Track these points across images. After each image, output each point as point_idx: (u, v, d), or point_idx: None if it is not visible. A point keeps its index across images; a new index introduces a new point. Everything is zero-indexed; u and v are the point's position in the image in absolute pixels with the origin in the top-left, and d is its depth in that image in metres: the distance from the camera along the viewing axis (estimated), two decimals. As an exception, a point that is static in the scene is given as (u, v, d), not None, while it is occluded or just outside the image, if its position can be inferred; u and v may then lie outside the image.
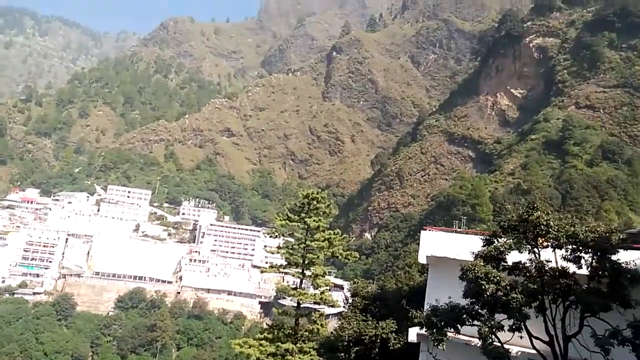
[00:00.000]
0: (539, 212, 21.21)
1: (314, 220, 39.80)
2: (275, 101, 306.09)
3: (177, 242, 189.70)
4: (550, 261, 21.56)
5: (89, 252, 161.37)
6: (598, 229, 20.29)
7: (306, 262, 40.46)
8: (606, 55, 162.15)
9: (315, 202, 40.39)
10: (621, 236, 21.02)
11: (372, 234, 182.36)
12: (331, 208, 42.98)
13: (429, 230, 38.42)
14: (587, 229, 20.40)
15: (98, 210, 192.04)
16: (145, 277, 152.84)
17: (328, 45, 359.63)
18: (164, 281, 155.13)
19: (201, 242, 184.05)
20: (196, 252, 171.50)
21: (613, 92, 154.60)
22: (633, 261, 20.52)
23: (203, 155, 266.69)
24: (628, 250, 22.17)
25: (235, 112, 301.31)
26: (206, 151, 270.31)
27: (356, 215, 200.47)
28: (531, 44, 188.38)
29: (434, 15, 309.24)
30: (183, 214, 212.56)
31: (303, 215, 40.49)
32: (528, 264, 21.74)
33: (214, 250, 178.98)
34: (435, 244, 33.29)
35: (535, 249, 22.05)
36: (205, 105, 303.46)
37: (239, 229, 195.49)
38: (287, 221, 41.14)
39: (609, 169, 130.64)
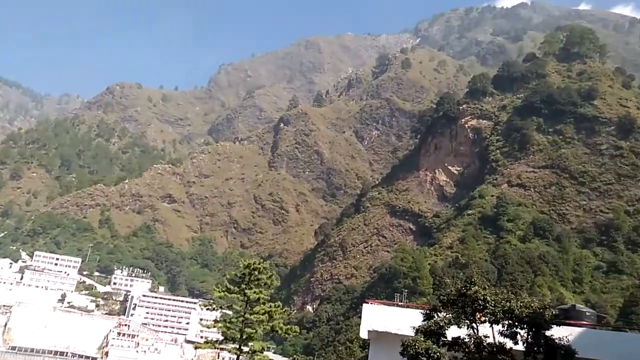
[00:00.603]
0: (477, 287, 21.57)
1: (254, 292, 38.49)
2: (220, 169, 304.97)
3: (106, 313, 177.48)
4: (488, 336, 21.68)
5: (6, 324, 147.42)
6: (532, 305, 20.80)
7: (244, 337, 38.58)
8: (535, 138, 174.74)
9: (256, 273, 39.24)
10: (554, 312, 21.60)
11: (314, 306, 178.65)
12: (273, 279, 41.93)
13: (371, 303, 38.04)
14: (522, 304, 20.86)
15: (21, 278, 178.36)
16: (67, 353, 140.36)
17: (276, 117, 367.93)
18: (87, 357, 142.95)
19: (132, 315, 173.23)
20: (125, 325, 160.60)
21: (542, 172, 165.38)
22: (566, 337, 21.00)
23: (141, 222, 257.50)
24: (561, 326, 22.75)
25: (178, 178, 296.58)
26: (144, 217, 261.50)
27: (298, 287, 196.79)
28: (466, 125, 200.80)
29: (377, 95, 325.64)
30: (114, 283, 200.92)
31: (243, 286, 39.10)
32: (467, 340, 21.73)
33: (145, 324, 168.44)
34: (377, 317, 32.86)
35: (474, 324, 22.18)
36: (147, 171, 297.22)
37: (173, 300, 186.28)
38: (226, 292, 39.53)
39: (540, 245, 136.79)
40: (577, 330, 25.82)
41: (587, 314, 31.88)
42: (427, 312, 23.65)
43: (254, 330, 37.52)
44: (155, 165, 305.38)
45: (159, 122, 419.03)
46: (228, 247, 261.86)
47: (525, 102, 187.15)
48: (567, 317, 29.03)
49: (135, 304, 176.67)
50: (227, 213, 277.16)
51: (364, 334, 33.26)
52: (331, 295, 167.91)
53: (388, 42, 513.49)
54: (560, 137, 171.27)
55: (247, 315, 38.13)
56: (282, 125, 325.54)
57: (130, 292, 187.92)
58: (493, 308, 21.01)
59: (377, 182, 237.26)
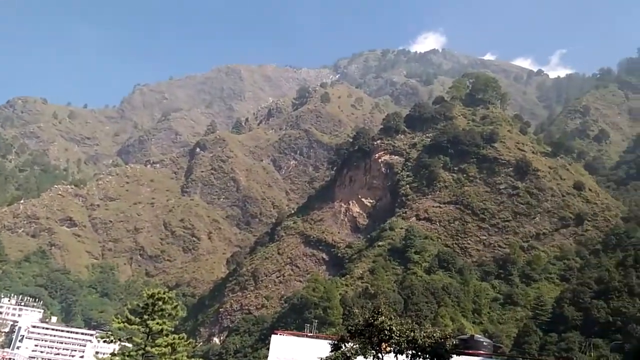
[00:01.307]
0: (384, 317, 21.99)
1: (157, 323, 36.40)
2: (128, 192, 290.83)
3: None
4: (392, 367, 22.05)
5: None
6: (435, 335, 21.52)
7: (143, 372, 36.10)
8: (441, 175, 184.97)
9: (160, 303, 37.23)
10: (454, 342, 22.50)
11: (222, 338, 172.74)
12: (178, 309, 39.97)
13: (280, 334, 37.54)
14: (425, 334, 21.51)
15: None
16: None
17: (192, 141, 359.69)
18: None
19: (18, 347, 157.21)
20: (10, 359, 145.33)
21: (447, 207, 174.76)
22: (464, 366, 21.90)
23: (35, 246, 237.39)
24: (460, 356, 23.71)
25: (80, 201, 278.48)
26: (40, 241, 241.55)
27: (206, 318, 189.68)
28: (380, 160, 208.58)
29: (296, 126, 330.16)
30: (0, 312, 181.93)
31: (146, 317, 36.85)
32: (372, 370, 21.95)
33: (34, 357, 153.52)
34: (285, 348, 32.37)
35: (379, 354, 22.51)
36: (46, 191, 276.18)
37: (67, 331, 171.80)
38: (126, 323, 37.02)
39: (444, 276, 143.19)
40: (476, 359, 27.01)
41: (484, 343, 33.57)
42: (335, 342, 23.69)
43: (155, 364, 35.40)
44: (56, 186, 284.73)
45: (63, 140, 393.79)
46: (132, 275, 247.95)
47: (433, 142, 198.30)
48: (466, 346, 30.33)
49: (23, 336, 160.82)
50: (132, 239, 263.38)
51: (271, 366, 32.53)
52: (240, 327, 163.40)
53: (309, 76, 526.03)
54: (464, 175, 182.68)
55: (148, 348, 35.96)
56: (198, 150, 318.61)
57: (17, 322, 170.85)
58: (398, 338, 21.47)
59: (292, 212, 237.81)
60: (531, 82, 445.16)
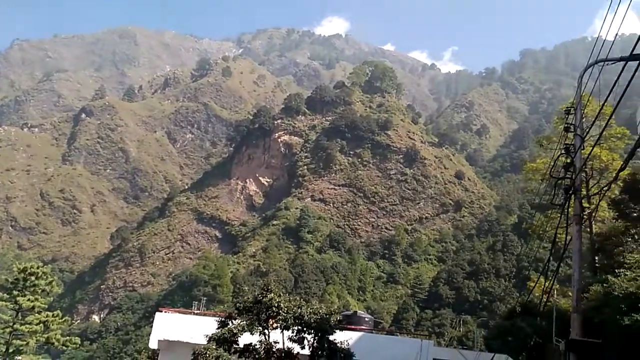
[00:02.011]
0: (272, 294, 22.18)
1: (28, 300, 33.80)
2: (0, 157, 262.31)
3: None
4: (278, 342, 22.42)
5: None
6: (320, 311, 22.16)
7: (11, 351, 33.45)
8: (337, 158, 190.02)
9: (33, 278, 34.61)
10: (338, 317, 23.39)
11: (102, 316, 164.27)
12: (53, 285, 37.24)
13: (165, 312, 36.40)
14: (311, 310, 22.07)
15: None
16: None
17: (77, 106, 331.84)
18: None
19: None
20: None
21: (341, 189, 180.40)
22: (346, 341, 22.87)
23: None
24: (343, 331, 24.71)
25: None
26: None
27: (85, 295, 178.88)
28: (279, 140, 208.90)
29: (195, 98, 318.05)
30: None
31: (15, 293, 34.11)
32: (258, 346, 22.15)
33: None
34: (169, 326, 31.50)
35: (266, 331, 22.75)
36: None
37: None
38: (-10, 300, 34.05)
39: (334, 256, 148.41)
40: (357, 334, 28.33)
41: (366, 319, 35.37)
42: (222, 319, 23.50)
43: (25, 342, 32.78)
44: None
45: None
46: (1, 248, 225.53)
47: (332, 125, 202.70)
48: (349, 322, 31.72)
49: None
50: (3, 208, 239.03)
51: (153, 344, 31.53)
52: (123, 304, 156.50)
53: (210, 47, 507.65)
54: (359, 159, 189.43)
55: (16, 326, 33.18)
56: (83, 116, 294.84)
57: None
58: (285, 314, 21.80)
59: (186, 187, 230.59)
60: (425, 75, 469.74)
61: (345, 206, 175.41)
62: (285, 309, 21.98)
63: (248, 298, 23.50)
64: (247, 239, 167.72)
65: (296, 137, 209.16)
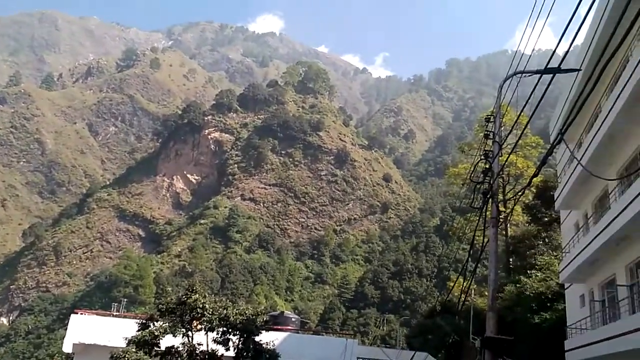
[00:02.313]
0: (197, 295, 21.62)
1: None
2: None
3: None
4: (202, 344, 21.87)
5: None
6: (246, 312, 21.88)
7: None
8: (269, 157, 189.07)
9: None
10: (265, 318, 23.18)
11: (11, 318, 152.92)
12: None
13: (81, 313, 34.40)
14: (237, 311, 21.73)
15: None
16: None
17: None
18: None
19: None
20: None
21: (272, 189, 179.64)
22: (272, 341, 22.74)
23: None
24: (270, 332, 24.55)
25: None
26: None
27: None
28: (210, 136, 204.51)
29: (120, 89, 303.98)
30: None
31: None
32: (181, 348, 21.49)
33: None
34: (85, 329, 29.81)
35: (190, 332, 22.12)
36: None
37: None
38: None
39: (262, 256, 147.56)
40: (283, 334, 28.26)
41: (292, 319, 35.42)
42: (143, 321, 22.65)
43: None
44: None
45: None
46: None
47: (264, 124, 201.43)
48: (276, 322, 31.58)
49: None
50: None
51: (68, 348, 29.69)
52: (35, 306, 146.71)
53: (138, 38, 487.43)
54: (290, 159, 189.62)
55: None
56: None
57: None
58: (210, 316, 21.33)
59: (108, 183, 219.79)
60: (357, 79, 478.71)
61: (275, 206, 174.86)
62: (211, 310, 21.51)
63: (171, 299, 22.77)
64: (172, 238, 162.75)
65: (227, 135, 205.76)
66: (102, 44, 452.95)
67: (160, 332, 21.35)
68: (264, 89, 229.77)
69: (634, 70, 13.04)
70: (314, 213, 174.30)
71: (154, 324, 22.16)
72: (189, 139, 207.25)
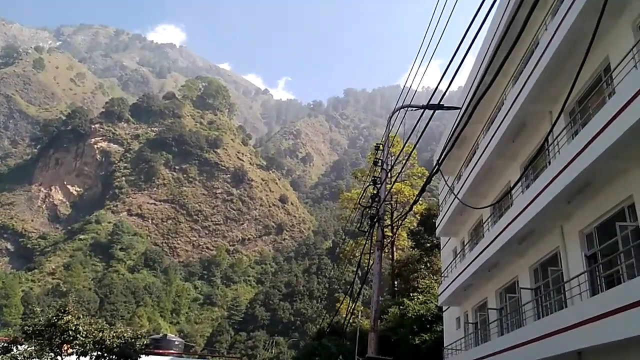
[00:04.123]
0: (70, 317, 19.95)
1: None
2: None
3: None
4: (72, 371, 20.07)
5: None
6: (125, 335, 20.56)
7: None
8: (161, 172, 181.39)
9: None
10: (145, 342, 21.91)
11: None
12: None
13: None
14: (114, 334, 20.35)
15: None
16: None
17: None
18: None
19: None
20: None
21: (162, 205, 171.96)
22: (152, 366, 21.50)
23: None
24: (150, 356, 23.20)
25: None
26: None
27: None
28: (96, 146, 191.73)
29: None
30: None
31: None
32: (46, 376, 19.56)
33: None
34: None
35: (59, 357, 20.29)
36: None
37: None
38: None
39: (148, 275, 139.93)
40: (165, 358, 26.85)
41: (176, 342, 33.85)
42: (5, 344, 20.42)
43: None
44: None
45: None
46: None
47: (158, 137, 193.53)
48: (157, 346, 29.96)
49: None
50: None
51: None
52: None
53: (21, 34, 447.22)
54: (185, 175, 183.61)
55: None
56: None
57: None
58: (84, 339, 19.77)
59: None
60: (258, 99, 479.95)
61: (165, 223, 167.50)
62: (84, 332, 19.91)
63: (40, 320, 20.75)
64: (46, 254, 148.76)
65: (116, 145, 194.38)
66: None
67: (24, 356, 19.36)
68: (160, 101, 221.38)
69: (507, 112, 14.51)
70: (207, 232, 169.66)
71: (17, 348, 20.06)
72: (72, 147, 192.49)
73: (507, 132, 14.76)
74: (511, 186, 15.71)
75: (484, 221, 18.66)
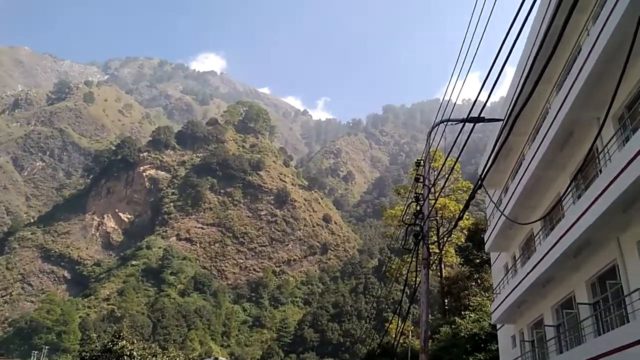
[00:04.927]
0: (124, 342, 20.46)
1: None
2: None
3: None
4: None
5: None
6: (177, 359, 20.89)
7: None
8: (207, 196, 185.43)
9: None
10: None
11: None
12: None
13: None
14: (167, 359, 20.71)
15: None
16: None
17: None
18: None
19: None
20: None
21: (209, 229, 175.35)
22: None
23: None
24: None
25: None
26: None
27: None
28: (144, 174, 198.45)
29: (50, 123, 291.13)
30: None
31: None
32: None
33: None
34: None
35: (115, 383, 20.73)
36: None
37: None
38: None
39: (198, 299, 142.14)
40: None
41: (227, 366, 34.05)
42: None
43: None
44: None
45: None
46: None
47: (203, 162, 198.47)
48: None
49: None
50: None
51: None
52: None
53: (72, 70, 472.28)
54: (229, 199, 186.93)
55: None
56: None
57: None
58: (138, 364, 20.16)
59: (32, 221, 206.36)
60: (297, 120, 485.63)
61: (212, 246, 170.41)
62: (139, 357, 20.38)
63: (96, 346, 21.37)
64: (101, 281, 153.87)
65: (163, 172, 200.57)
66: (33, 76, 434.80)
67: (82, 383, 19.89)
68: (204, 127, 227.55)
69: (552, 121, 14.06)
70: (253, 254, 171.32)
71: (75, 375, 20.66)
72: (122, 175, 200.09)
73: (554, 141, 14.28)
74: (561, 197, 15.14)
75: (535, 235, 18.01)
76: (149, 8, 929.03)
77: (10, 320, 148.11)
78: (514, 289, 17.64)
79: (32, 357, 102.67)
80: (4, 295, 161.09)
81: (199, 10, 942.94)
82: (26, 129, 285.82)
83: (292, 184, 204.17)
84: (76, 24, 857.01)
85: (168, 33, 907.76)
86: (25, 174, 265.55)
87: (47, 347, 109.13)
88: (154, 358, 20.51)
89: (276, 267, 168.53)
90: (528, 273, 15.89)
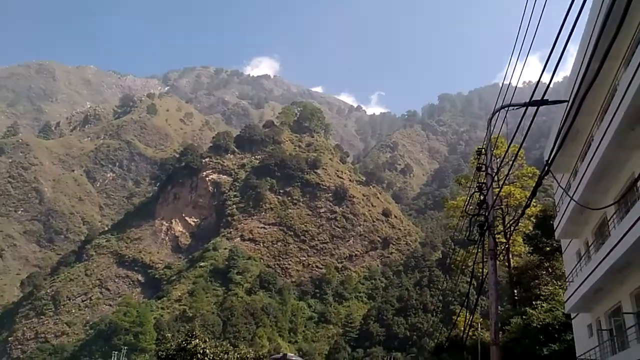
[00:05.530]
0: (197, 340, 21.28)
1: None
2: None
3: None
4: (204, 392, 21.33)
5: None
6: (248, 356, 21.50)
7: None
8: (267, 197, 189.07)
9: None
10: (267, 362, 22.76)
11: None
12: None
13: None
14: (239, 356, 21.37)
15: None
16: None
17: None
18: None
19: None
20: None
21: (271, 228, 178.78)
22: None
23: None
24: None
25: None
26: None
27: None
28: (207, 178, 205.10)
29: (117, 136, 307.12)
30: None
31: None
32: (182, 397, 20.96)
33: None
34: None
35: (192, 380, 21.61)
36: None
37: None
38: None
39: (264, 297, 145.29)
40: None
41: (296, 362, 34.68)
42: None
43: None
44: None
45: None
46: None
47: (261, 164, 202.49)
48: (279, 366, 30.89)
49: None
50: None
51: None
52: (33, 357, 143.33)
53: (135, 84, 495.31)
54: (289, 198, 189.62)
55: None
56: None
57: None
58: (212, 361, 20.91)
59: (106, 229, 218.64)
60: (351, 117, 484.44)
61: (275, 245, 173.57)
62: (211, 355, 21.14)
63: (171, 345, 22.38)
64: (172, 283, 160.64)
65: (225, 176, 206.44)
66: (100, 92, 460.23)
67: (161, 380, 20.89)
68: (260, 130, 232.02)
69: (622, 98, 13.28)
70: (315, 251, 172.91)
71: (154, 373, 21.73)
72: (186, 181, 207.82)
73: (625, 119, 13.48)
74: (636, 178, 14.27)
75: (608, 219, 17.10)
76: (202, 17, 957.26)
77: (91, 323, 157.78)
78: (588, 276, 16.85)
79: (112, 357, 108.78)
80: (85, 300, 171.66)
81: (250, 16, 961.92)
82: (96, 142, 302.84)
83: (350, 180, 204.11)
84: (135, 41, 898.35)
85: (222, 41, 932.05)
86: (98, 185, 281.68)
87: (125, 348, 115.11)
88: (225, 355, 21.21)
89: (338, 263, 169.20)
90: (603, 259, 15.14)
